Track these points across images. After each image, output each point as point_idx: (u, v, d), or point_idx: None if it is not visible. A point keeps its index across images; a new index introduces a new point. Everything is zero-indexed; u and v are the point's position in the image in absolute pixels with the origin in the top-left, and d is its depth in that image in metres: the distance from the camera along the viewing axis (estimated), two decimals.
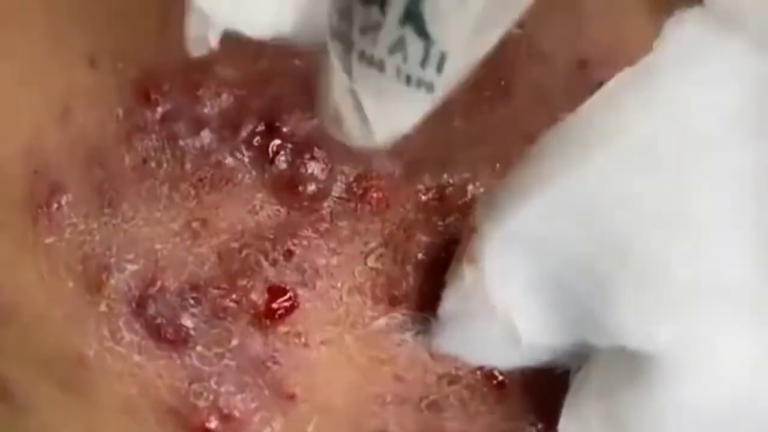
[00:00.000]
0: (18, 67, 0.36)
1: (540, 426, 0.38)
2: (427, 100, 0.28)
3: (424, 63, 0.27)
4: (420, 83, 0.27)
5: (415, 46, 0.26)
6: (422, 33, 0.26)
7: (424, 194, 0.36)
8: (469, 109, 0.36)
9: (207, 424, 0.37)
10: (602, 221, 0.31)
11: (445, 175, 0.37)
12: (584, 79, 0.36)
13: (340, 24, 0.27)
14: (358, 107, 0.28)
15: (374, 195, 0.36)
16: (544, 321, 0.34)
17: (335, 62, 0.28)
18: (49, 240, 0.36)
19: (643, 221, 0.31)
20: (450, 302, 0.35)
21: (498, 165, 0.37)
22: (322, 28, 0.27)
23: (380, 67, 0.27)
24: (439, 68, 0.27)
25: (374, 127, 0.28)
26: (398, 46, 0.27)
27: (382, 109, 0.28)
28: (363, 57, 0.27)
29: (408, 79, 0.27)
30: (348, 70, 0.28)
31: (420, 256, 0.36)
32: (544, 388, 0.37)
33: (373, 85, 0.28)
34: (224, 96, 0.35)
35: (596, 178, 0.31)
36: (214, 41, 0.28)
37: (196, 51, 0.29)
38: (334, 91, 0.28)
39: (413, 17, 0.26)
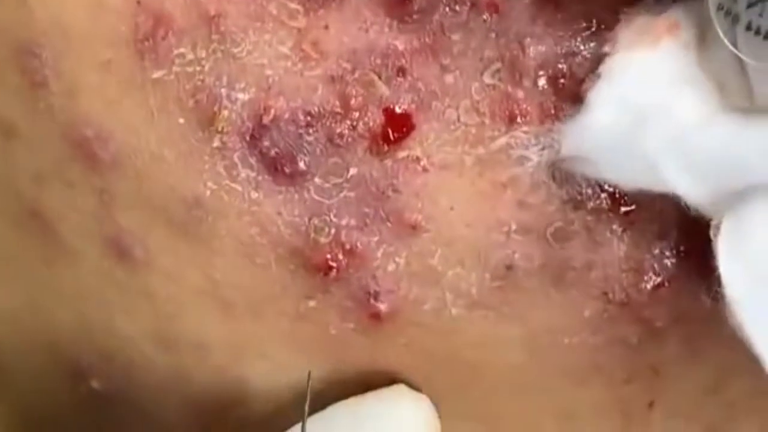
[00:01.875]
0: None
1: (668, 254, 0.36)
2: None
3: None
4: None
5: None
6: None
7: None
8: None
9: (330, 262, 0.36)
10: None
11: None
12: None
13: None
14: (743, 73, 0.32)
15: (485, 3, 0.34)
16: None
17: (720, 33, 0.32)
18: (157, 74, 0.35)
19: None
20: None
21: None
22: None
23: (765, 35, 0.31)
24: None
25: (757, 90, 0.32)
26: None
27: (766, 74, 0.31)
28: (749, 28, 0.31)
29: None
30: (733, 41, 0.31)
31: (539, 70, 0.34)
32: (674, 213, 0.35)
33: (757, 52, 0.31)
34: None
35: None
36: None
37: None
38: (717, 58, 0.32)
39: None
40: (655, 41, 0.34)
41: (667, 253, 0.36)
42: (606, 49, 0.34)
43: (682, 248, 0.36)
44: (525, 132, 0.35)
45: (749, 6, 0.32)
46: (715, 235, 0.33)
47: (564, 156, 0.35)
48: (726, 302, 0.33)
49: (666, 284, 0.36)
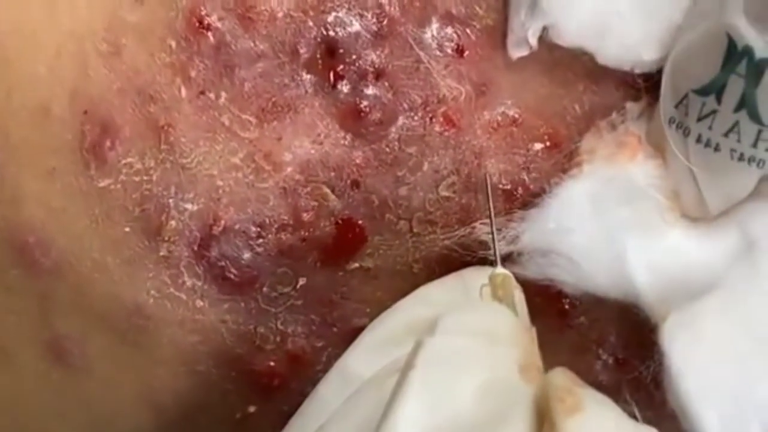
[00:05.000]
0: (60, 8, 0.34)
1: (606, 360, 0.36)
2: (757, 174, 0.32)
3: (756, 143, 0.31)
4: (752, 160, 0.31)
5: (748, 129, 0.31)
6: (756, 118, 0.31)
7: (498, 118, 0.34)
8: None
9: (273, 368, 0.35)
10: None
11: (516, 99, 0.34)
12: None
13: (676, 112, 0.33)
14: (695, 184, 0.33)
15: (442, 119, 0.33)
16: None
17: (673, 145, 0.33)
18: (103, 183, 0.34)
19: None
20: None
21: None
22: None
23: (715, 148, 0.32)
24: None
25: (709, 200, 0.33)
26: (733, 129, 0.31)
27: (716, 184, 0.33)
28: (699, 140, 0.32)
29: (741, 157, 0.32)
30: (685, 153, 0.33)
31: (495, 183, 0.34)
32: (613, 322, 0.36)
33: (708, 163, 0.32)
34: (280, 17, 0.33)
35: None
36: (534, 41, 0.33)
37: (516, 53, 0.33)
38: (673, 169, 0.34)
39: (747, 105, 0.31)
40: (632, 154, 0.34)
41: (605, 359, 0.36)
42: (584, 157, 0.35)
43: (620, 357, 0.36)
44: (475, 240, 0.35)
45: (699, 119, 0.32)
46: (662, 331, 0.33)
47: (522, 250, 0.35)
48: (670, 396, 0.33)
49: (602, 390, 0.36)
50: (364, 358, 0.32)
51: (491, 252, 0.35)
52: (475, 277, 0.34)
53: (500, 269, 0.33)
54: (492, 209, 0.34)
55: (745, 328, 0.32)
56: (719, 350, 0.33)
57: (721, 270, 0.33)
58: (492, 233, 0.34)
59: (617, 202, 0.34)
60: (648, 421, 0.34)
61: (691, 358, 0.33)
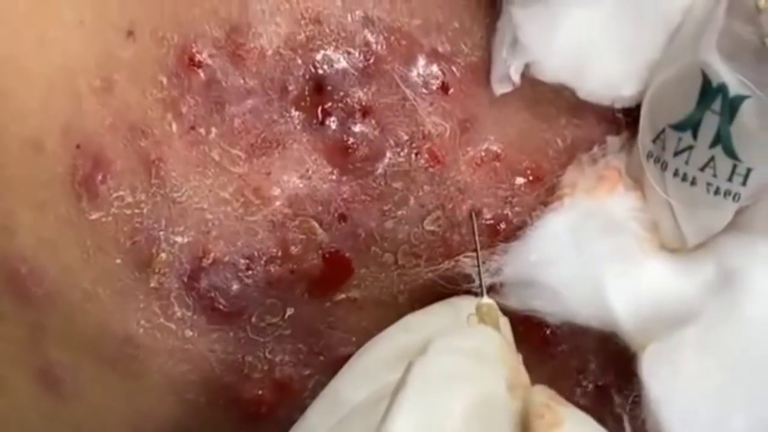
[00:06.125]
0: (52, 44, 0.35)
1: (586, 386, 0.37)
2: (733, 207, 0.33)
3: (731, 178, 0.32)
4: (727, 194, 0.33)
5: (723, 164, 0.32)
6: (730, 153, 0.32)
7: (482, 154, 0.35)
8: None
9: (261, 397, 0.36)
10: None
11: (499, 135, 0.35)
12: None
13: (653, 147, 0.33)
14: (673, 216, 0.34)
15: (427, 155, 0.34)
16: None
17: (651, 179, 0.34)
18: (94, 216, 0.34)
19: None
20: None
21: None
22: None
23: (692, 182, 0.33)
24: (745, 182, 0.32)
25: (686, 232, 0.34)
26: (708, 164, 0.32)
27: (694, 217, 0.34)
28: (676, 174, 0.33)
29: (717, 191, 0.33)
30: (663, 186, 0.34)
31: (478, 219, 0.35)
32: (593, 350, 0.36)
33: (685, 196, 0.33)
34: (269, 55, 0.33)
35: None
36: (516, 78, 0.33)
37: (500, 89, 0.34)
38: (651, 201, 0.34)
39: (722, 140, 0.32)
40: (612, 187, 0.35)
41: (585, 385, 0.37)
42: (565, 190, 0.35)
43: (600, 384, 0.37)
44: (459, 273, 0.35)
45: (676, 154, 0.33)
46: (641, 361, 0.34)
47: (504, 281, 0.35)
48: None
49: None
50: (352, 384, 0.32)
51: (474, 285, 0.35)
52: (462, 304, 0.34)
53: (485, 300, 0.34)
54: (478, 244, 0.34)
55: (721, 360, 0.33)
56: (696, 382, 0.33)
57: (698, 301, 0.34)
58: (478, 266, 0.34)
59: (597, 235, 0.34)
60: None
61: (669, 389, 0.33)
